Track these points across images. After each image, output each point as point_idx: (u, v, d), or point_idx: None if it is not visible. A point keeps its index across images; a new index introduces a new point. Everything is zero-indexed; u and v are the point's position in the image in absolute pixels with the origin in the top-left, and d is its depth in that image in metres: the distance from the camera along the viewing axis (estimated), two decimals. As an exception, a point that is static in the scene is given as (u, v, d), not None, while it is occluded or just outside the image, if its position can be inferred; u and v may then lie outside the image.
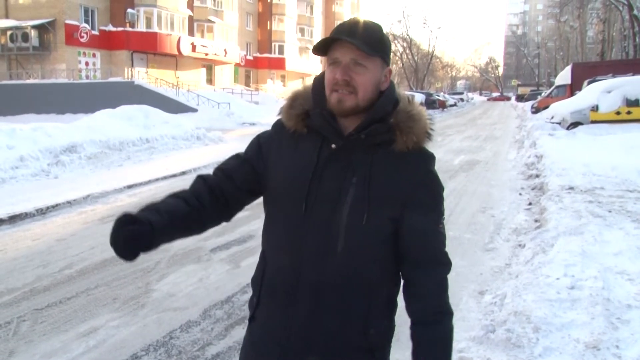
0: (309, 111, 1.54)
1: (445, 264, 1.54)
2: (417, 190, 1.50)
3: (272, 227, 1.60)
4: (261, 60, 53.07)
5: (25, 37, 32.66)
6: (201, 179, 1.64)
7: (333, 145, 1.50)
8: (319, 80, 1.58)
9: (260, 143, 1.65)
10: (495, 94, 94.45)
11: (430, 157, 1.57)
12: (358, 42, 1.45)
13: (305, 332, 1.51)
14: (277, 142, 1.61)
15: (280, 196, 1.56)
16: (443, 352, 1.52)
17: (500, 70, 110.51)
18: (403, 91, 1.61)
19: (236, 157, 1.67)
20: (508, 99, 77.60)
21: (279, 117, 1.63)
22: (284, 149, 1.58)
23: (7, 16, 33.62)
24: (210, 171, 1.70)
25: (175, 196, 1.59)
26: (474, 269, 5.24)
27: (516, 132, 21.11)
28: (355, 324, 1.51)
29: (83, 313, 4.16)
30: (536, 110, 28.56)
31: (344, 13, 69.88)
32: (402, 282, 1.58)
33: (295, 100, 1.60)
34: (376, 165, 1.49)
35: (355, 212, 1.46)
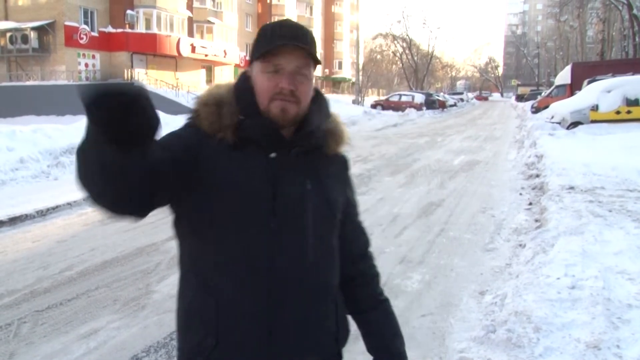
0: (242, 120, 1.41)
1: (371, 251, 1.70)
2: (349, 190, 1.62)
3: (225, 249, 1.40)
4: (261, 61, 53.05)
5: (25, 39, 32.66)
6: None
7: (272, 155, 1.41)
8: (244, 87, 1.46)
9: (185, 143, 1.39)
10: (485, 93, 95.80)
11: (348, 160, 1.68)
12: (309, 48, 1.41)
13: (287, 354, 1.42)
14: (204, 146, 1.40)
15: (233, 215, 1.38)
16: (398, 325, 1.65)
17: (500, 70, 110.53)
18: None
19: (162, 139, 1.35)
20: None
21: (191, 120, 1.45)
22: (218, 160, 1.40)
23: (6, 18, 33.63)
24: None
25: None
26: (475, 269, 5.24)
27: (516, 132, 21.10)
28: (331, 332, 1.52)
29: (83, 315, 4.16)
30: (536, 110, 28.55)
31: (343, 14, 69.98)
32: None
33: (221, 106, 1.43)
34: (321, 170, 1.50)
35: (320, 217, 1.45)
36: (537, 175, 9.98)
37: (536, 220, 6.84)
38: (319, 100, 1.53)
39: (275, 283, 1.39)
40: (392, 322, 1.64)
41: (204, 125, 1.42)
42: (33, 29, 32.37)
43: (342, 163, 1.63)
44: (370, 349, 1.63)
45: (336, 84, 68.81)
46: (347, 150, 1.65)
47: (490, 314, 4.06)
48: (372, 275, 1.65)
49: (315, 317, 1.47)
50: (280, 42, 1.38)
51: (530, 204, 8.01)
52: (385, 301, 1.65)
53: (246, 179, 1.39)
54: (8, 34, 32.98)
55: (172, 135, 1.41)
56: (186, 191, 1.38)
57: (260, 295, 1.39)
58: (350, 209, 1.61)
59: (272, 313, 1.40)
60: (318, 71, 69.41)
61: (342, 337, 1.57)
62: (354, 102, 41.29)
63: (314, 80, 1.49)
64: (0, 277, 4.98)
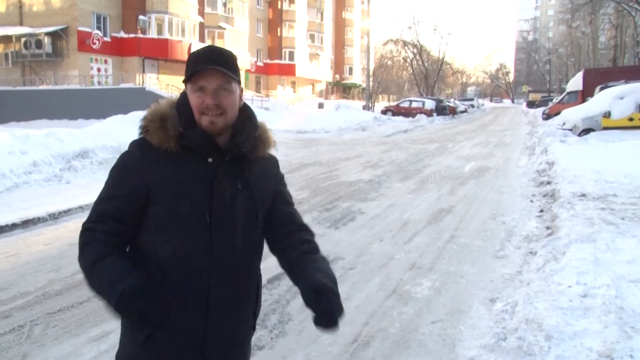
0: (183, 132, 1.71)
1: (309, 228, 1.95)
2: (280, 185, 1.95)
3: (171, 239, 1.70)
4: (271, 67, 53.30)
5: (39, 44, 32.96)
6: (107, 238, 1.70)
7: (210, 160, 1.72)
8: (184, 103, 1.76)
9: (132, 171, 1.73)
10: (496, 100, 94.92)
11: (277, 159, 2.00)
12: (225, 69, 1.70)
13: (220, 329, 1.75)
14: (150, 162, 1.72)
15: (178, 213, 1.69)
16: (324, 266, 1.80)
17: (511, 77, 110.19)
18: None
19: (114, 199, 1.73)
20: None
21: (141, 137, 1.75)
22: (164, 168, 1.71)
23: (21, 23, 33.96)
24: None
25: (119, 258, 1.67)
26: (485, 276, 5.22)
27: (527, 139, 20.99)
28: (251, 309, 1.87)
29: (94, 317, 4.18)
30: (547, 116, 28.40)
31: (354, 19, 70.09)
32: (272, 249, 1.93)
33: (166, 120, 1.73)
34: (251, 171, 1.80)
35: (247, 212, 1.77)
36: (549, 182, 9.92)
37: (547, 228, 6.80)
38: (248, 113, 1.85)
39: (214, 269, 1.71)
40: (316, 263, 1.79)
41: (152, 139, 1.72)
42: (47, 34, 32.67)
43: (273, 162, 1.95)
44: (295, 281, 1.79)
45: (346, 90, 68.86)
46: (276, 152, 1.97)
47: (500, 322, 4.04)
48: (305, 236, 1.89)
49: (242, 296, 1.81)
50: (201, 66, 1.69)
51: (541, 211, 7.96)
52: (318, 251, 1.88)
53: (187, 181, 1.70)
54: (23, 39, 33.29)
55: (119, 175, 1.76)
56: (149, 199, 1.72)
57: (201, 281, 1.70)
58: (280, 197, 1.92)
59: (209, 297, 1.72)
60: (328, 76, 69.42)
61: (257, 312, 1.93)
62: (364, 107, 41.27)
63: (238, 93, 1.77)
64: (13, 279, 5.02)
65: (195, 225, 1.69)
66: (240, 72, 1.79)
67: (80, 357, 3.59)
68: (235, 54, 1.82)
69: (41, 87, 31.16)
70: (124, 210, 1.70)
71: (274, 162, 1.96)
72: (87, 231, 1.70)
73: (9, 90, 30.16)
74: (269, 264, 2.26)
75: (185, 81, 1.74)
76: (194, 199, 1.69)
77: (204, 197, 1.70)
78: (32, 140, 11.37)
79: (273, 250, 1.92)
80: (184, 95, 1.78)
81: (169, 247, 1.69)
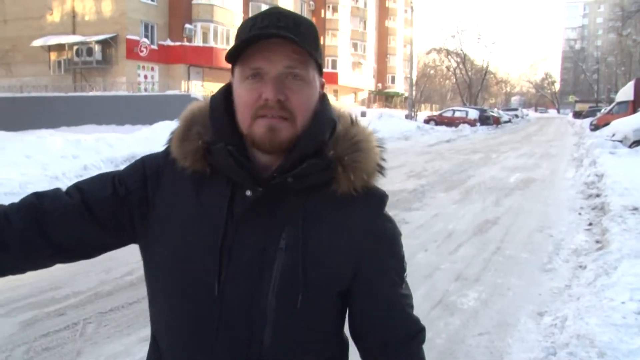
0: (210, 144, 1.07)
1: (418, 334, 1.16)
2: (373, 249, 1.11)
3: (166, 309, 1.12)
4: (314, 75, 53.53)
5: (90, 52, 34.09)
6: (35, 197, 1.16)
7: (248, 193, 1.05)
8: (219, 101, 1.11)
9: (145, 173, 1.15)
10: (541, 110, 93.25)
11: (384, 199, 1.16)
12: (297, 37, 1.00)
13: None
14: (169, 180, 1.13)
15: (175, 272, 1.08)
16: None
17: (557, 86, 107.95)
18: (340, 106, 1.18)
19: (104, 182, 1.15)
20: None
21: (167, 145, 1.16)
22: (179, 194, 1.11)
23: (74, 32, 35.15)
24: None
25: None
26: (532, 289, 5.12)
27: (574, 150, 20.51)
28: None
29: (144, 318, 4.27)
30: (595, 127, 27.70)
31: (397, 28, 69.99)
32: None
33: (190, 127, 1.11)
34: (312, 220, 1.07)
35: (286, 290, 1.04)
36: (597, 195, 9.68)
37: (597, 242, 6.63)
38: (319, 115, 1.09)
39: None
40: None
41: (175, 152, 1.12)
42: (97, 42, 33.74)
43: (371, 209, 1.13)
44: None
45: (389, 99, 68.72)
46: (383, 183, 1.15)
47: (550, 336, 3.97)
48: None
49: None
50: (258, 32, 1.01)
51: (590, 224, 7.76)
52: None
53: (195, 229, 1.08)
54: (75, 47, 34.49)
55: (133, 167, 1.18)
56: (146, 226, 1.14)
57: None
58: (370, 277, 1.11)
59: None
60: (371, 85, 69.31)
61: None
62: (407, 117, 41.08)
63: (317, 87, 1.09)
64: (66, 279, 5.19)
65: (197, 298, 1.06)
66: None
67: (131, 356, 3.68)
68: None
69: (91, 94, 32.11)
70: (100, 204, 1.12)
71: (371, 205, 1.13)
72: (35, 194, 1.19)
73: (61, 97, 31.18)
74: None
75: (230, 61, 1.07)
76: (197, 257, 1.06)
77: (213, 257, 1.05)
78: (83, 145, 11.76)
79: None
80: (225, 89, 1.12)
81: (163, 320, 1.14)
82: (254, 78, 1.02)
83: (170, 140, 1.14)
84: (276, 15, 1.03)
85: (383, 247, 1.13)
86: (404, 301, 1.15)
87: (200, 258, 1.05)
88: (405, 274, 1.17)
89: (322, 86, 1.12)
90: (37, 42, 34.87)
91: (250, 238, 1.05)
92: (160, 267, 1.11)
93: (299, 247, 1.04)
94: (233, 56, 1.04)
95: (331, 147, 1.07)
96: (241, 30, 1.05)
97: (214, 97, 1.12)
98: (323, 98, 1.12)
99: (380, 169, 1.13)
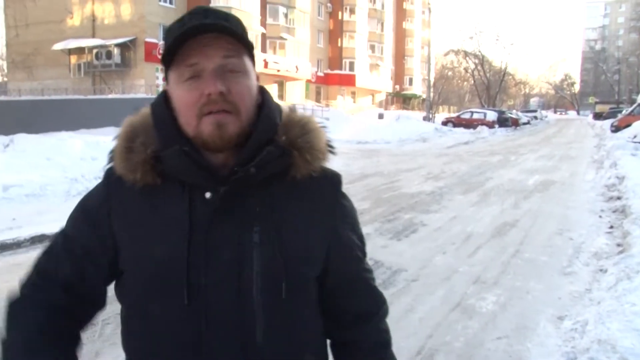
0: (158, 152, 1.04)
1: (383, 306, 1.24)
2: (338, 228, 1.14)
3: (144, 334, 1.10)
4: (332, 77, 53.63)
5: (109, 55, 34.50)
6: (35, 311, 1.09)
7: (208, 195, 1.02)
8: (162, 107, 1.08)
9: (90, 218, 1.10)
10: (560, 111, 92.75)
11: (340, 178, 1.18)
12: (229, 26, 1.02)
13: None
14: (120, 204, 1.08)
15: (148, 289, 1.06)
16: None
17: (577, 87, 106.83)
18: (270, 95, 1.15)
19: (66, 253, 1.11)
20: None
21: (109, 166, 1.11)
22: (135, 213, 1.07)
23: (93, 35, 35.61)
24: None
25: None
26: (552, 293, 5.06)
27: (594, 152, 20.26)
28: None
29: (162, 320, 4.31)
30: (616, 129, 27.33)
31: (415, 30, 69.78)
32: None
33: (133, 140, 1.07)
34: (279, 209, 1.06)
35: (269, 283, 1.03)
36: (619, 198, 9.54)
37: (618, 245, 6.54)
38: (266, 104, 1.09)
39: None
40: None
41: (119, 167, 1.07)
42: (116, 45, 34.13)
43: (330, 190, 1.15)
44: None
45: (406, 100, 68.50)
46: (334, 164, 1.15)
47: (570, 341, 3.92)
48: (375, 338, 1.22)
49: None
50: (189, 30, 0.99)
51: (611, 227, 7.66)
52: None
53: (158, 242, 1.04)
54: (94, 51, 34.95)
55: (74, 220, 1.13)
56: (116, 261, 1.11)
57: None
58: (339, 256, 1.14)
59: None
60: (388, 87, 69.20)
61: None
62: (424, 118, 40.93)
63: (254, 77, 1.08)
64: (86, 280, 5.24)
65: (175, 313, 1.03)
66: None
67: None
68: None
69: (110, 96, 32.44)
70: (75, 275, 1.09)
71: (328, 186, 1.15)
72: (16, 303, 1.10)
73: (80, 99, 31.57)
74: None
75: (165, 64, 1.06)
76: (171, 268, 1.02)
77: (184, 264, 1.01)
78: (102, 147, 11.87)
79: (331, 349, 1.25)
80: (162, 96, 1.10)
81: (143, 344, 1.11)
82: (192, 79, 1.01)
83: (111, 159, 1.10)
84: (202, 12, 1.03)
85: (347, 225, 1.16)
86: (369, 275, 1.22)
87: (172, 272, 1.02)
88: (365, 249, 1.22)
89: (258, 79, 1.10)
90: (58, 46, 35.42)
91: (224, 239, 1.03)
92: (133, 289, 1.09)
93: (274, 238, 1.03)
94: (167, 58, 1.03)
95: (282, 134, 1.07)
96: (170, 31, 1.04)
97: (155, 105, 1.10)
98: (262, 89, 1.11)
99: (331, 148, 1.14)
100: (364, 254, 1.21)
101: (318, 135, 1.11)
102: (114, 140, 1.11)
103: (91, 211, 1.10)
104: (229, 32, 1.01)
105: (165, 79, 1.08)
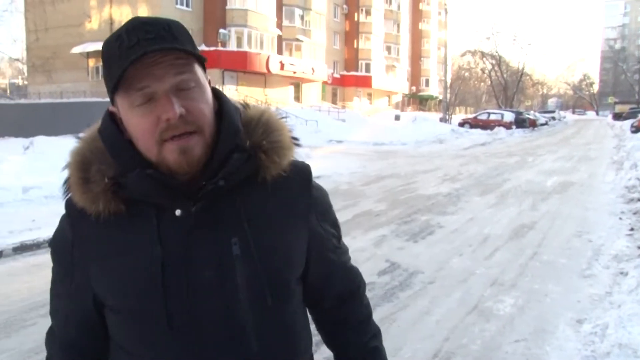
0: (118, 178, 0.98)
1: (361, 284, 1.26)
2: (316, 222, 1.12)
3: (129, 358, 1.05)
4: (348, 78, 53.57)
5: (127, 58, 34.85)
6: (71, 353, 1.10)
7: (178, 212, 0.98)
8: (114, 132, 1.00)
9: (59, 259, 1.08)
10: (579, 112, 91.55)
11: (310, 169, 1.14)
12: (174, 42, 0.95)
13: None
14: (85, 237, 1.03)
15: (127, 319, 1.02)
16: None
17: (595, 87, 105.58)
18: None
19: (61, 308, 1.10)
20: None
21: (68, 197, 1.05)
22: (99, 247, 1.02)
23: (111, 38, 36.00)
24: None
25: None
26: (571, 295, 5.01)
27: (614, 153, 20.00)
28: None
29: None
30: (636, 129, 27.02)
31: (431, 31, 69.49)
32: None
33: (87, 169, 1.01)
34: (254, 215, 1.03)
35: (254, 294, 1.00)
36: (639, 199, 9.42)
37: (639, 247, 6.45)
38: (224, 109, 1.04)
39: None
40: None
41: (79, 199, 1.02)
42: (134, 48, 34.45)
43: (301, 184, 1.12)
44: None
45: (423, 102, 68.26)
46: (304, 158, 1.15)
47: (589, 344, 3.87)
48: (356, 322, 1.23)
49: None
50: (134, 54, 0.91)
51: (632, 229, 7.55)
52: (375, 350, 1.23)
53: (133, 262, 0.99)
54: (112, 53, 35.31)
55: (56, 265, 1.10)
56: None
57: None
58: (318, 250, 1.13)
59: None
60: (405, 88, 68.99)
61: None
62: (441, 120, 40.76)
63: (208, 85, 1.02)
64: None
65: (157, 343, 1.00)
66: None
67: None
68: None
69: (128, 99, 32.83)
70: (75, 326, 1.08)
71: (299, 181, 1.12)
72: (49, 336, 1.15)
73: (98, 102, 31.87)
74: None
75: (111, 90, 0.98)
76: (143, 295, 0.98)
77: (157, 290, 0.97)
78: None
79: (320, 330, 1.27)
80: (108, 119, 1.02)
81: None
82: (145, 104, 0.94)
83: (67, 191, 1.04)
84: (141, 27, 0.94)
85: (322, 217, 1.14)
86: (346, 258, 1.23)
87: (149, 300, 0.97)
88: (340, 232, 1.22)
89: (210, 82, 1.04)
90: (76, 49, 35.82)
91: (203, 257, 0.98)
92: (115, 322, 1.05)
93: (254, 248, 1.00)
94: (116, 86, 0.95)
95: (246, 138, 1.03)
96: (109, 53, 0.96)
97: (104, 131, 1.01)
98: (216, 93, 1.06)
99: (296, 140, 1.12)
100: (339, 237, 1.21)
101: (282, 132, 1.08)
102: (64, 170, 1.05)
103: (58, 252, 1.08)
104: (176, 49, 0.94)
105: (111, 101, 1.01)
